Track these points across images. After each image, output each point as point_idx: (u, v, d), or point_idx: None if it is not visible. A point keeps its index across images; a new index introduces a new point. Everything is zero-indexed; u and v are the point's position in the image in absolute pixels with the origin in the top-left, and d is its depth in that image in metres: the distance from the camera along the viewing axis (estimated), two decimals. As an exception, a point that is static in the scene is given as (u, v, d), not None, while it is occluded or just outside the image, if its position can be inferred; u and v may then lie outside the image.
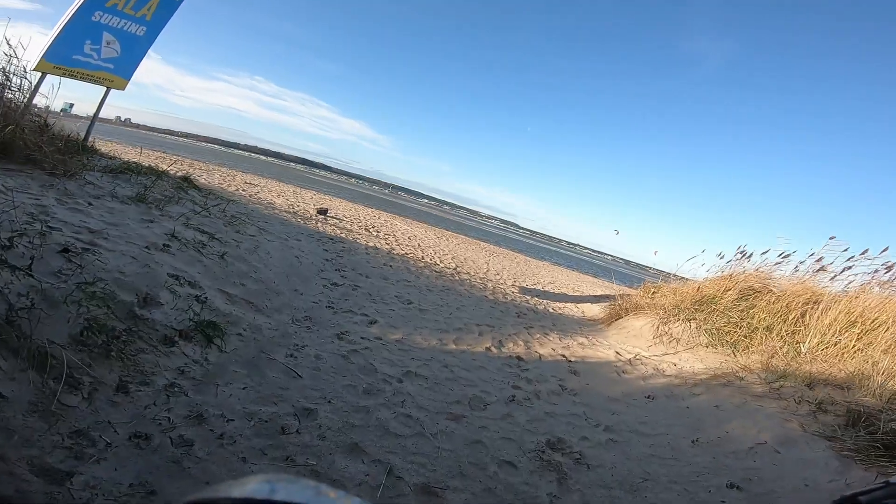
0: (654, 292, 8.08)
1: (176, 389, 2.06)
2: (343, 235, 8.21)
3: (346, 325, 3.68)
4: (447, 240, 15.72)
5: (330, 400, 2.46)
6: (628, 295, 10.43)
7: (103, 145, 13.29)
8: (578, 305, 9.26)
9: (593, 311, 8.75)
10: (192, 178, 6.72)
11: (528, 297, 8.39)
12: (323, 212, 10.72)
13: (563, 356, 4.95)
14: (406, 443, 2.32)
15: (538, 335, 5.52)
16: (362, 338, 3.50)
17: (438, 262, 8.84)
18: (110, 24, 6.02)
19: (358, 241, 8.26)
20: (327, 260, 5.68)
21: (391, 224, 14.57)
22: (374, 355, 3.25)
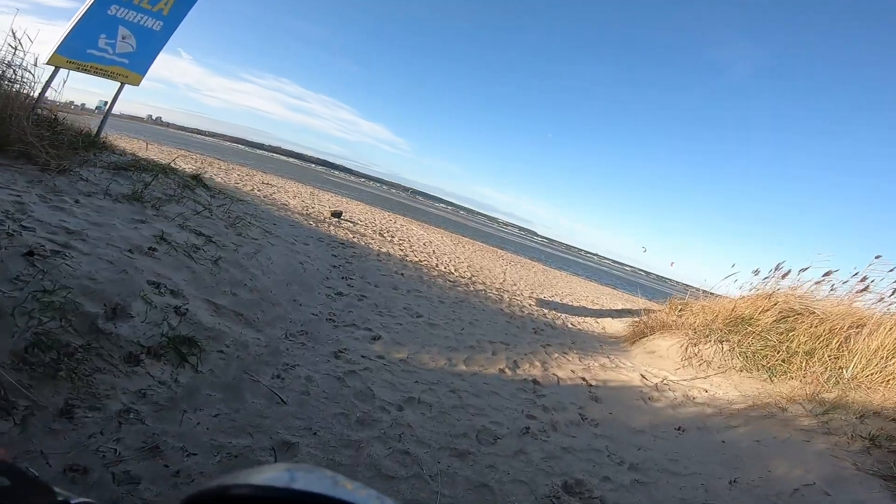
0: (681, 309, 7.62)
1: (131, 416, 1.78)
2: (355, 240, 7.96)
3: (347, 341, 3.38)
4: (464, 247, 15.39)
5: (316, 431, 2.16)
6: (653, 311, 9.93)
7: (127, 143, 13.41)
8: (599, 320, 8.82)
9: (615, 327, 8.30)
10: (202, 176, 6.54)
11: (546, 311, 7.99)
12: (337, 215, 10.52)
13: (584, 379, 4.57)
14: (400, 486, 2.00)
15: (556, 354, 5.14)
16: (363, 356, 3.19)
17: (453, 271, 8.52)
18: (126, 19, 5.90)
19: (370, 246, 7.99)
20: (335, 266, 5.41)
21: (407, 229, 14.32)
22: (373, 377, 2.93)
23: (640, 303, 17.50)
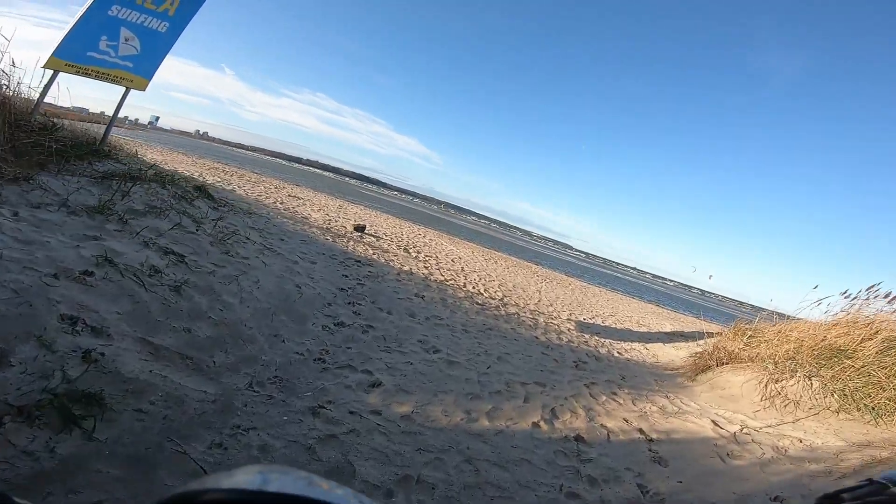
0: (749, 336, 6.52)
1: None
2: (374, 257, 7.29)
3: (335, 390, 2.63)
4: (495, 263, 14.53)
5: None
6: (708, 333, 8.76)
7: (160, 154, 13.38)
8: (648, 346, 7.77)
9: (668, 354, 7.25)
10: (208, 185, 6.05)
11: (587, 336, 7.04)
12: (360, 229, 9.94)
13: (641, 431, 3.66)
14: None
15: (604, 397, 4.24)
16: (351, 412, 2.43)
17: (482, 292, 7.70)
18: (129, 20, 5.52)
19: (391, 263, 7.30)
20: (342, 289, 4.70)
21: (435, 244, 13.61)
22: (360, 444, 2.17)
23: (689, 322, 16.05)
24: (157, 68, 6.03)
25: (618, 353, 6.55)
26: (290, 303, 3.58)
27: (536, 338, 5.76)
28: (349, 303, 4.36)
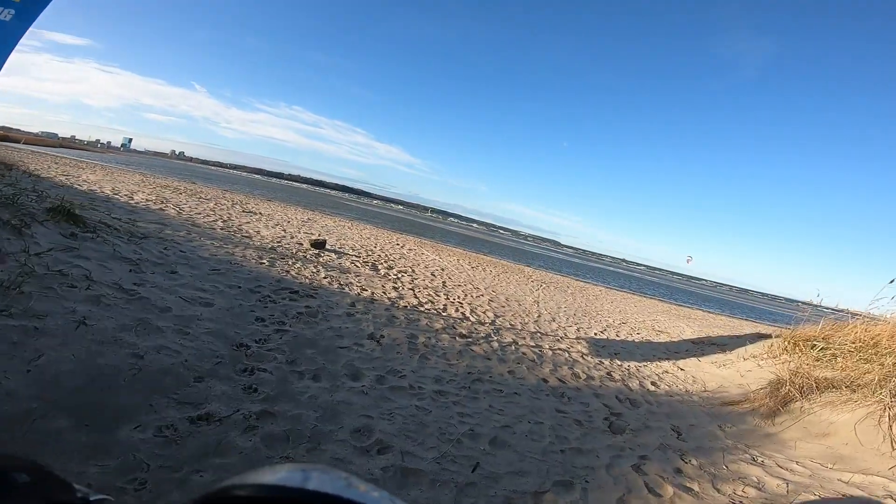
0: (822, 348, 4.98)
1: None
2: (325, 282, 5.61)
3: None
4: (484, 270, 12.89)
5: None
6: (755, 341, 7.24)
7: (109, 175, 11.59)
8: (681, 365, 6.19)
9: (712, 376, 5.68)
10: (73, 208, 4.35)
11: (607, 362, 5.44)
12: (319, 245, 8.25)
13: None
14: None
15: (669, 487, 2.62)
16: None
17: (468, 315, 6.05)
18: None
19: (347, 289, 5.62)
20: (242, 346, 3.00)
21: (414, 255, 11.94)
22: None
23: (706, 321, 14.56)
24: (3, 62, 4.38)
25: (652, 384, 4.94)
26: (99, 390, 1.92)
27: (545, 381, 4.12)
28: (245, 370, 2.68)
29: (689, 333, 9.82)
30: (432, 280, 8.05)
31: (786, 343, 5.70)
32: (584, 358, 5.43)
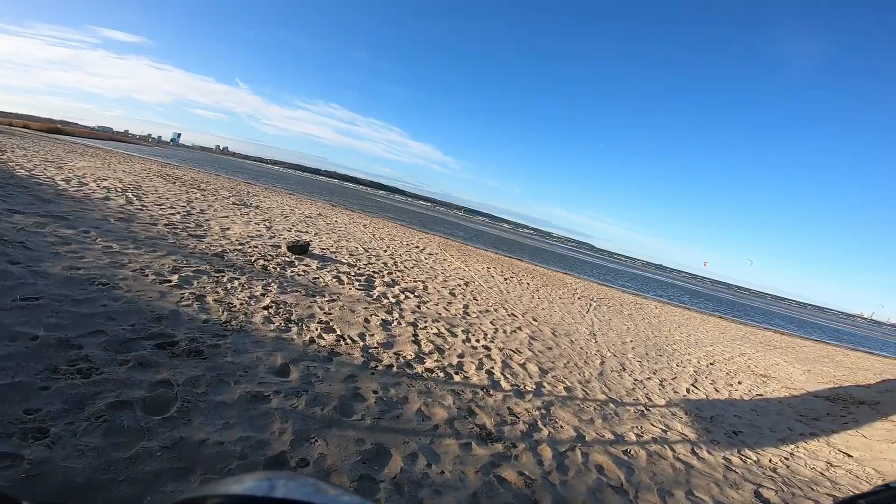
0: None
1: None
2: (258, 315, 3.42)
3: None
4: (519, 282, 10.49)
5: None
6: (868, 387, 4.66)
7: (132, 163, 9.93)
8: (842, 446, 3.74)
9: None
10: None
11: (736, 458, 3.07)
12: (299, 248, 6.11)
13: None
14: None
15: None
16: None
17: (498, 376, 3.72)
18: None
19: (291, 330, 3.40)
20: None
21: (435, 260, 9.68)
22: None
23: (799, 349, 11.70)
24: None
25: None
26: None
27: None
28: None
29: (801, 377, 7.16)
30: (449, 304, 5.74)
31: None
32: (697, 455, 3.07)
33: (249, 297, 3.79)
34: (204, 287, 3.75)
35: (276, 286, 4.28)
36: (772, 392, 5.76)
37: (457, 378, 3.39)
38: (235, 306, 3.51)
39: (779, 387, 6.13)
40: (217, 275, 4.15)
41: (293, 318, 3.63)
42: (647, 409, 3.95)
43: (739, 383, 5.87)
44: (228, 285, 3.95)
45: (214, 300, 3.52)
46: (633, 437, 3.25)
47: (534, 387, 3.67)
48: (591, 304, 10.03)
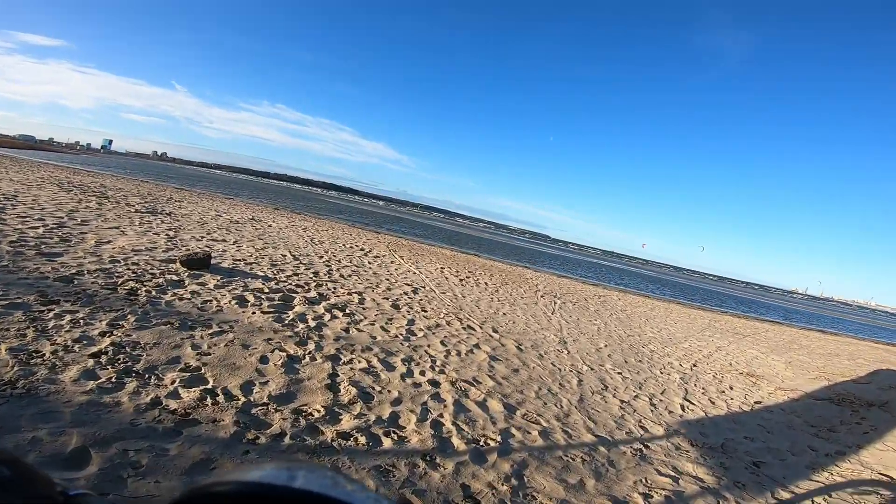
0: None
1: None
2: (64, 377, 2.23)
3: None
4: (476, 282, 9.50)
5: None
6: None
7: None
8: (880, 467, 2.95)
9: None
10: None
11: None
12: (198, 263, 4.84)
13: None
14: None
15: None
16: None
17: (447, 430, 2.69)
18: None
19: (120, 402, 2.24)
20: None
21: (381, 264, 8.52)
22: None
23: (767, 335, 11.39)
24: None
25: None
26: None
27: None
28: None
29: (786, 373, 6.57)
30: (390, 321, 4.64)
31: None
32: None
33: (75, 341, 2.56)
34: (6, 330, 2.49)
35: (133, 319, 3.04)
36: (769, 397, 5.05)
37: (386, 443, 2.32)
38: (42, 356, 2.30)
39: (772, 388, 5.45)
40: (41, 309, 2.87)
41: (138, 367, 2.43)
42: (645, 447, 3.04)
43: (731, 388, 5.13)
44: (51, 324, 2.70)
45: (9, 349, 2.29)
46: (642, 502, 2.31)
47: (499, 439, 2.65)
48: (555, 303, 9.20)
